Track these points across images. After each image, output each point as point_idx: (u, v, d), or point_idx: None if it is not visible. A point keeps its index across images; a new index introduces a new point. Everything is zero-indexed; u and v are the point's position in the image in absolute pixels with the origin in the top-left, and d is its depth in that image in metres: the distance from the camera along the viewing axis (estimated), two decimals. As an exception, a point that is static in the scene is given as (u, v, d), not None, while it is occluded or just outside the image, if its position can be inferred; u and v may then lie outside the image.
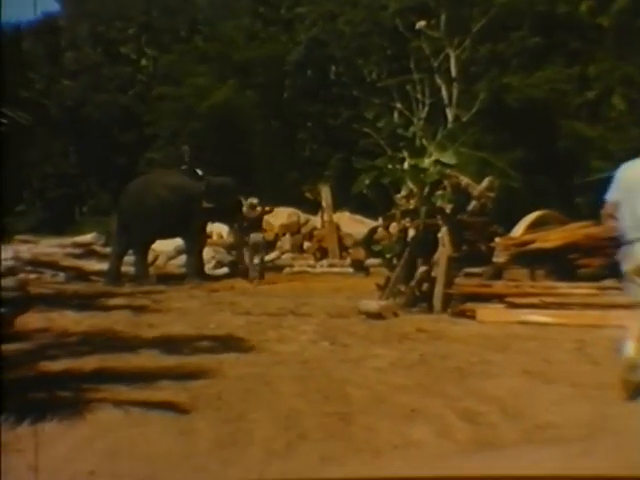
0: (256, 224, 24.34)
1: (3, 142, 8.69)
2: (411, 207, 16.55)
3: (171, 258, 26.99)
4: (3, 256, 22.24)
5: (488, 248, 16.00)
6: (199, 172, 23.65)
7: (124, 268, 22.79)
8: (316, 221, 30.00)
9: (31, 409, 7.44)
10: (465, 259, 15.82)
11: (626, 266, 8.26)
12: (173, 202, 22.40)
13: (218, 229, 26.09)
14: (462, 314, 14.14)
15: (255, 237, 24.06)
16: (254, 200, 24.66)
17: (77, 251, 25.18)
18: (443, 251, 15.40)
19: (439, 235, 15.60)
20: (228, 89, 47.51)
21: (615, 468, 6.06)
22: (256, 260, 23.77)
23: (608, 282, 14.07)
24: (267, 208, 25.40)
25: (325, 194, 29.49)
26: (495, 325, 12.86)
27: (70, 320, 14.14)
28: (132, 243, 22.56)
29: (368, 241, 24.36)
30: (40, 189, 55.98)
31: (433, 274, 15.42)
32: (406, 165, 16.57)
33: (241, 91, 48.31)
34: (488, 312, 13.70)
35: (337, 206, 30.68)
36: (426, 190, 16.21)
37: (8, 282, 19.09)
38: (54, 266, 23.74)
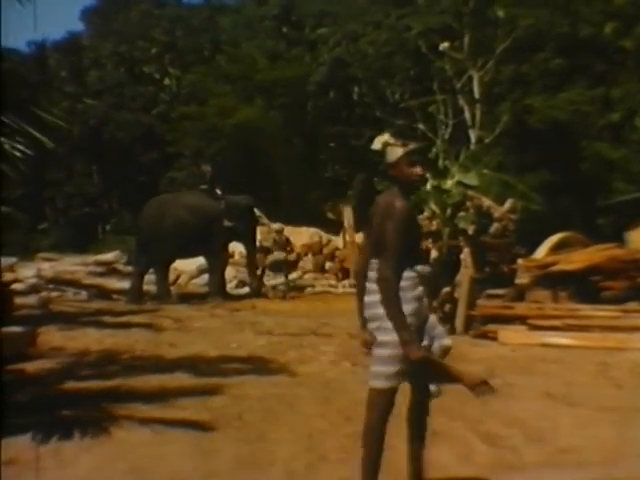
0: (280, 245, 24.83)
1: (25, 162, 8.71)
2: (433, 228, 16.50)
3: (193, 277, 27.04)
4: (26, 274, 22.35)
5: (511, 270, 15.96)
6: (218, 192, 23.65)
7: (146, 287, 22.79)
8: (338, 241, 29.98)
9: (52, 428, 7.45)
10: (488, 281, 15.77)
11: None
12: (191, 222, 22.39)
13: (240, 248, 26.14)
14: (484, 336, 14.10)
15: (276, 256, 24.45)
16: (277, 225, 25.17)
17: (99, 269, 25.26)
18: (465, 272, 15.36)
19: (461, 256, 15.56)
20: (251, 109, 47.66)
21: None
22: (276, 279, 24.19)
23: (631, 305, 14.03)
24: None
25: (347, 214, 29.47)
26: (517, 347, 12.81)
27: (91, 339, 14.15)
28: (151, 262, 22.56)
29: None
30: (63, 207, 56.24)
31: (455, 295, 15.37)
32: (429, 186, 16.54)
33: (264, 111, 48.45)
34: (510, 334, 13.65)
35: (359, 226, 30.66)
36: (448, 211, 16.18)
37: (30, 300, 19.17)
38: (76, 284, 23.80)
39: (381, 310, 5.33)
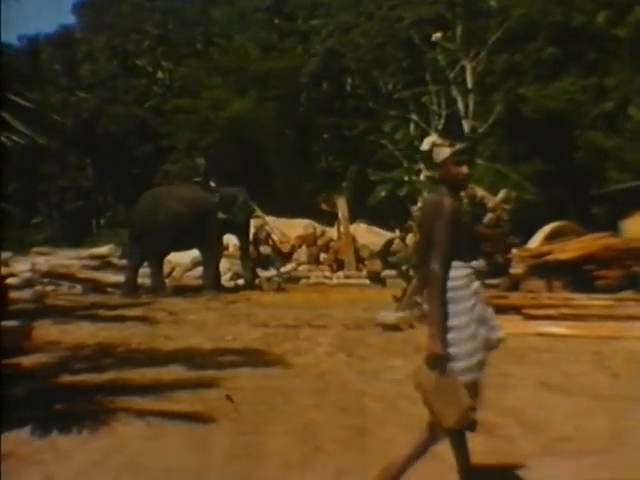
0: (261, 240, 25.33)
1: (17, 157, 8.71)
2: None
3: (187, 270, 27.04)
4: (20, 268, 22.34)
5: (505, 259, 15.98)
6: (212, 184, 23.67)
7: (140, 280, 22.80)
8: (332, 233, 29.98)
9: (49, 421, 7.45)
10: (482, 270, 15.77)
11: None
12: (186, 215, 22.40)
13: (234, 241, 26.17)
14: (479, 326, 14.07)
15: (262, 252, 24.82)
16: (257, 221, 25.58)
17: (94, 263, 25.26)
18: (459, 263, 15.34)
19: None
20: (244, 101, 47.62)
21: (634, 481, 6.03)
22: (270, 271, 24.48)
23: (626, 293, 14.05)
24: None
25: (341, 205, 29.50)
26: (512, 337, 12.78)
27: (86, 332, 14.15)
28: (146, 255, 22.54)
29: (384, 253, 24.29)
30: (57, 201, 56.15)
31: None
32: (422, 177, 16.54)
33: (257, 103, 48.38)
34: (505, 323, 13.50)
35: (353, 217, 30.66)
36: (442, 202, 16.19)
37: (25, 294, 19.17)
38: (71, 278, 23.78)
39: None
